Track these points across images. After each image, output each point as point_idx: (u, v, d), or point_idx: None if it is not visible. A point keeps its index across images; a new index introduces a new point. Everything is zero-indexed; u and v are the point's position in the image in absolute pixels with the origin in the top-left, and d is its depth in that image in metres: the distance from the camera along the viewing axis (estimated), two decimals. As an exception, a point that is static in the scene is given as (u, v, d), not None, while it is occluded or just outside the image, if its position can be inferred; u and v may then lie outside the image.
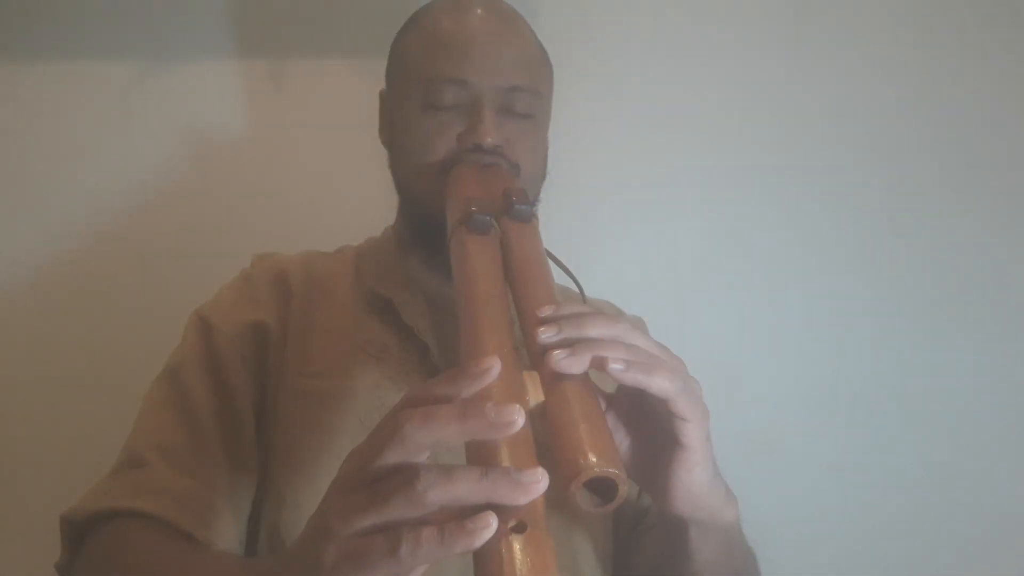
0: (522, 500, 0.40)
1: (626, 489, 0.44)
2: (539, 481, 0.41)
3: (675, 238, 1.07)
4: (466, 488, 0.40)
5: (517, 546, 0.40)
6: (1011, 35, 1.07)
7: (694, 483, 0.54)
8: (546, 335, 0.50)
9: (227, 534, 0.68)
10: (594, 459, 0.44)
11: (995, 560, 1.04)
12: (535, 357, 0.51)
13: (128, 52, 1.05)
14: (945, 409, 1.05)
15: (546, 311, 0.53)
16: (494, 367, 0.43)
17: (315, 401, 0.72)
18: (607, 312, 0.84)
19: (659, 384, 0.49)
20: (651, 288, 1.05)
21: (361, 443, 0.44)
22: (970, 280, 1.06)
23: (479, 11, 0.78)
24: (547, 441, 0.46)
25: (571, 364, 0.49)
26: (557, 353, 0.49)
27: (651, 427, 0.54)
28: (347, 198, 1.05)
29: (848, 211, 1.07)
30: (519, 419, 0.41)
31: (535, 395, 0.48)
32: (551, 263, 0.70)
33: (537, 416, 0.47)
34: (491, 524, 0.39)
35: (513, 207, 0.65)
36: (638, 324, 0.86)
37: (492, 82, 0.75)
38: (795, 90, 1.07)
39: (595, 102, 1.06)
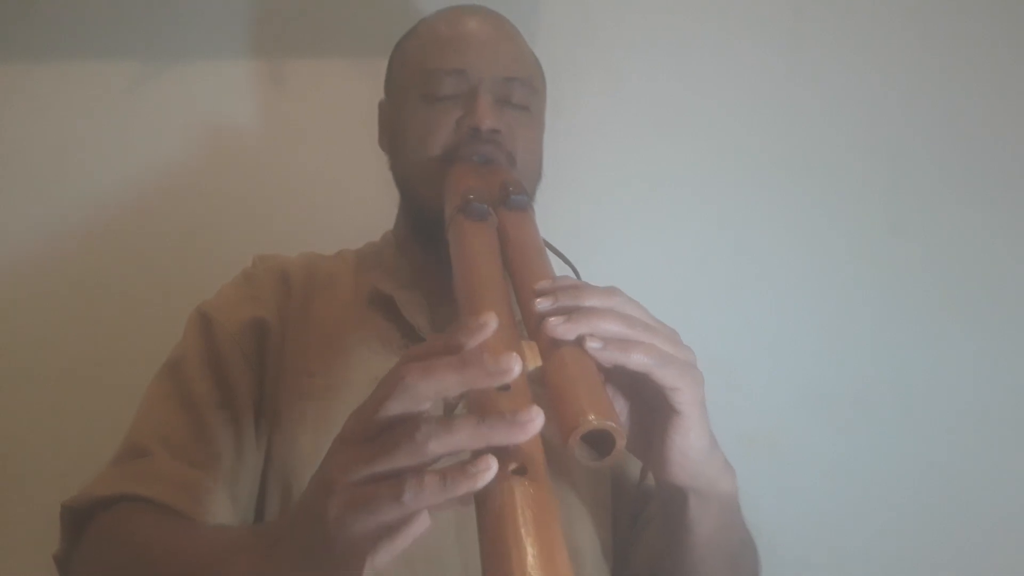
0: (520, 438, 0.41)
1: (623, 443, 0.45)
2: (534, 419, 0.41)
3: (675, 238, 1.07)
4: (465, 435, 0.41)
5: (518, 488, 0.40)
6: (1011, 34, 1.07)
7: (690, 448, 0.55)
8: (543, 305, 0.52)
9: (226, 522, 0.68)
10: (591, 413, 0.44)
11: (995, 560, 1.04)
12: (533, 329, 0.52)
13: (130, 52, 1.05)
14: (945, 409, 1.05)
15: (543, 284, 0.54)
16: (491, 322, 0.44)
17: (316, 396, 0.73)
18: None
19: (636, 360, 0.50)
20: (651, 288, 1.03)
21: (364, 401, 0.45)
22: (970, 280, 1.07)
23: (475, 15, 0.81)
24: (545, 408, 0.47)
25: (567, 330, 0.50)
26: (553, 320, 0.50)
27: (647, 396, 0.55)
28: (349, 197, 1.05)
29: (848, 211, 1.07)
30: (516, 367, 0.42)
31: (533, 362, 0.49)
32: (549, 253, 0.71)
33: (535, 382, 0.48)
34: (492, 467, 0.40)
35: (510, 197, 0.67)
36: None
37: (490, 72, 0.76)
38: (795, 90, 1.07)
39: (595, 102, 1.06)
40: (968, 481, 1.04)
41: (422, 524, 0.44)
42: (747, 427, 1.04)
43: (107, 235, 1.05)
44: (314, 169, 1.06)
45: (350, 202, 1.04)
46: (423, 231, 0.79)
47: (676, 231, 1.07)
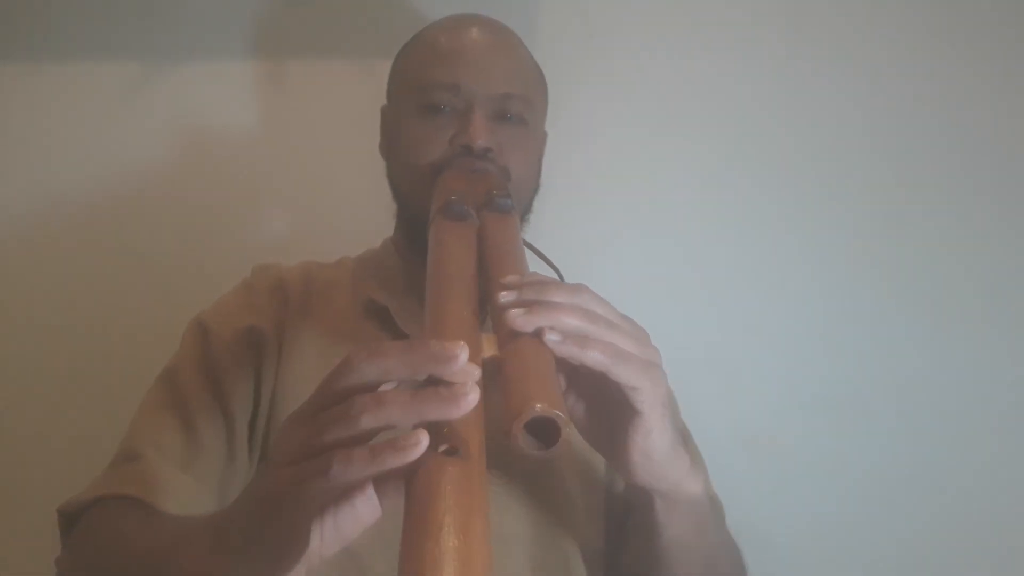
0: (454, 413, 0.41)
1: (568, 432, 0.45)
2: (468, 394, 0.41)
3: (675, 239, 1.07)
4: (397, 407, 0.41)
5: (447, 469, 0.40)
6: (1011, 35, 1.07)
7: (652, 449, 0.55)
8: (507, 298, 0.52)
9: None
10: (537, 401, 0.44)
11: (996, 561, 1.04)
12: (498, 321, 0.52)
13: (129, 53, 1.05)
14: (945, 409, 1.05)
15: (510, 278, 0.54)
16: (462, 353, 0.43)
17: None
18: None
19: (592, 357, 0.50)
20: (651, 289, 1.05)
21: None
22: (970, 280, 1.06)
23: (475, 27, 0.81)
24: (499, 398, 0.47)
25: (526, 322, 0.49)
26: (514, 311, 0.50)
27: (611, 397, 0.55)
28: (349, 199, 1.05)
29: (848, 211, 1.07)
30: (462, 353, 0.42)
31: (491, 352, 0.50)
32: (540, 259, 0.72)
33: (491, 372, 0.48)
34: (421, 441, 0.40)
35: (494, 200, 0.67)
36: None
37: (484, 88, 0.77)
38: (795, 91, 1.07)
39: (594, 104, 1.06)
40: (968, 481, 1.04)
41: (368, 510, 0.45)
42: (747, 427, 1.04)
43: (107, 236, 1.04)
44: (316, 170, 1.06)
45: (352, 204, 1.04)
46: (417, 239, 0.79)
47: (676, 232, 1.07)
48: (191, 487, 0.69)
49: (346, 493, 0.44)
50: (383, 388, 0.44)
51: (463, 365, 0.42)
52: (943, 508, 1.04)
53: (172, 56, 1.05)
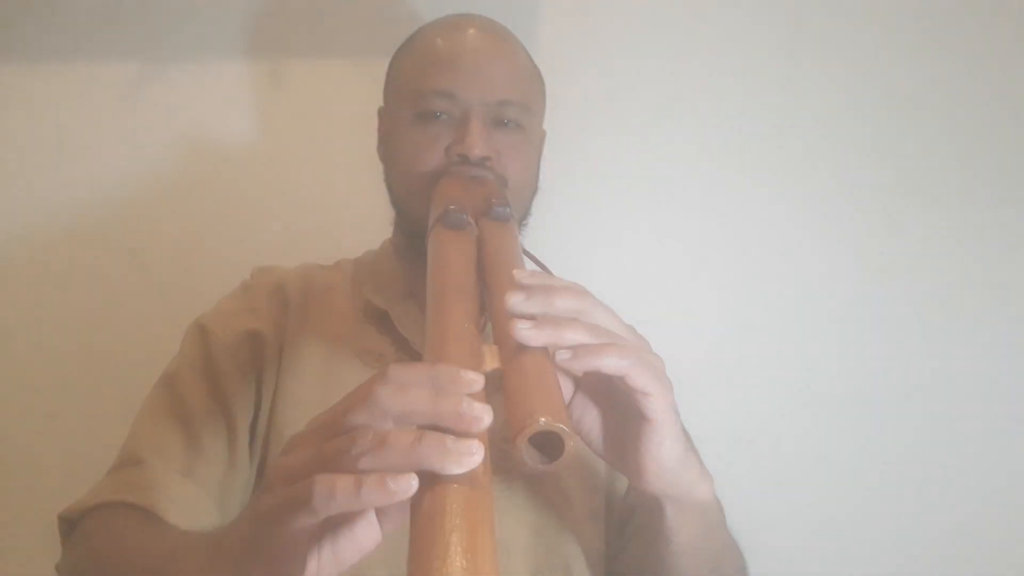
0: (455, 470, 0.40)
1: (573, 445, 0.45)
2: (474, 454, 0.40)
3: (675, 238, 1.07)
4: (398, 454, 0.40)
5: (453, 485, 0.40)
6: (1011, 34, 1.07)
7: (664, 457, 0.55)
8: (515, 300, 0.51)
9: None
10: (541, 415, 0.44)
11: (996, 561, 1.04)
12: (501, 330, 0.52)
13: (129, 53, 1.05)
14: (946, 409, 1.05)
15: (518, 273, 0.54)
16: (479, 382, 0.44)
17: (310, 408, 0.72)
18: None
19: (610, 363, 0.50)
20: (651, 289, 1.05)
21: (332, 405, 0.46)
22: (970, 280, 1.06)
23: (471, 30, 0.81)
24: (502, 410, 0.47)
25: (532, 337, 0.49)
26: (521, 324, 0.50)
27: (620, 405, 0.55)
28: (348, 200, 1.04)
29: (849, 210, 1.07)
30: (487, 417, 0.42)
31: (492, 364, 0.50)
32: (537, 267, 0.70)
33: (495, 385, 0.48)
34: (412, 486, 0.39)
35: (492, 209, 0.68)
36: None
37: (481, 96, 0.76)
38: (795, 89, 1.06)
39: (595, 102, 1.06)
40: (969, 481, 1.04)
41: (368, 536, 0.44)
42: (747, 427, 1.05)
43: (107, 237, 1.04)
44: (315, 171, 1.06)
45: (352, 205, 1.03)
46: (415, 244, 0.79)
47: (676, 231, 1.07)
48: (192, 492, 0.69)
49: (345, 518, 0.44)
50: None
51: (478, 414, 0.42)
52: (944, 508, 1.04)
53: (171, 57, 1.05)
